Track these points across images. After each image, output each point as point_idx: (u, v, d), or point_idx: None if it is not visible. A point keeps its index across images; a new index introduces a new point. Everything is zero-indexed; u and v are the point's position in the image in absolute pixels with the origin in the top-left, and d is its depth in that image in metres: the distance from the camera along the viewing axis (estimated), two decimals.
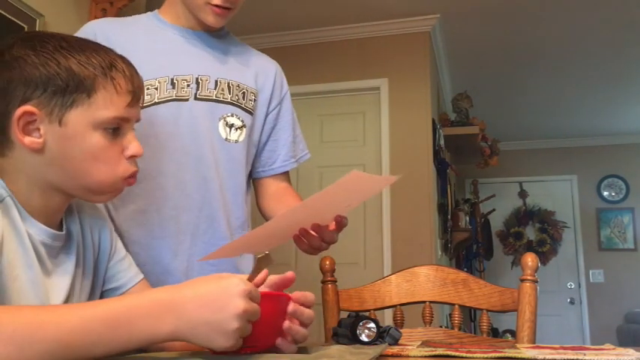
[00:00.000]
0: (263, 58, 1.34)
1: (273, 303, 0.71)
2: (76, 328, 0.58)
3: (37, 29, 2.21)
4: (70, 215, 0.88)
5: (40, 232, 0.78)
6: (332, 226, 1.01)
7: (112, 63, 0.79)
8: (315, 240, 1.00)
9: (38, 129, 0.75)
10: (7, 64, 0.74)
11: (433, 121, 3.62)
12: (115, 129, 0.79)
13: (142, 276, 0.98)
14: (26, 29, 2.18)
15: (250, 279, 0.70)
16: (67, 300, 0.82)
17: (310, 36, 3.78)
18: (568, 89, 4.83)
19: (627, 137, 6.14)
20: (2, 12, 2.09)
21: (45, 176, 0.78)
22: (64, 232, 0.83)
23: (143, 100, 0.85)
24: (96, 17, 2.53)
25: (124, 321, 0.60)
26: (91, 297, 0.89)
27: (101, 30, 1.19)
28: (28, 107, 0.74)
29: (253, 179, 1.33)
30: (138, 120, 0.85)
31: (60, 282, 0.81)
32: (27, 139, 0.75)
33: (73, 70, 0.75)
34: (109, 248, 0.94)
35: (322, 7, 3.48)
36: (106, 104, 0.77)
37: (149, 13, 1.28)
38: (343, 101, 3.72)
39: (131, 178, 0.84)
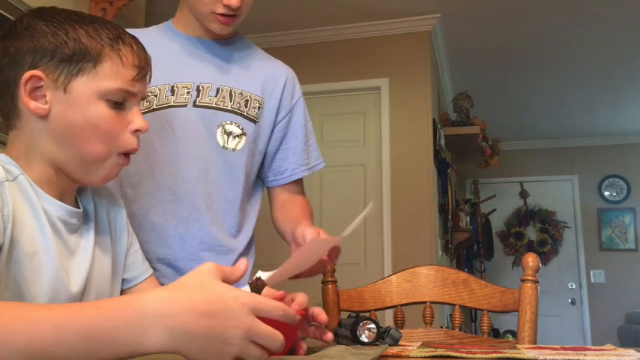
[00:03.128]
0: (274, 64, 1.32)
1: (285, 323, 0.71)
2: (49, 339, 0.51)
3: None
4: (85, 195, 0.88)
5: (56, 208, 0.79)
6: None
7: (119, 36, 0.81)
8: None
9: (44, 95, 0.77)
10: (18, 34, 0.78)
11: (434, 120, 3.62)
12: (120, 103, 0.80)
13: (151, 271, 0.98)
14: None
15: None
16: (88, 278, 0.81)
17: (310, 36, 3.77)
18: (569, 89, 4.82)
19: (628, 137, 6.13)
20: (2, 12, 2.09)
21: (47, 147, 0.78)
22: (81, 210, 0.84)
23: (150, 78, 0.86)
24: None
25: (101, 332, 0.52)
26: (113, 280, 0.89)
27: None
28: (35, 71, 0.76)
29: (267, 189, 1.32)
30: (144, 98, 0.86)
31: (80, 259, 0.81)
32: (32, 104, 0.76)
33: (81, 40, 0.77)
34: (126, 235, 0.94)
35: (322, 7, 3.47)
36: (112, 75, 0.78)
37: (165, 22, 1.29)
38: (343, 101, 3.72)
39: (126, 156, 0.84)
